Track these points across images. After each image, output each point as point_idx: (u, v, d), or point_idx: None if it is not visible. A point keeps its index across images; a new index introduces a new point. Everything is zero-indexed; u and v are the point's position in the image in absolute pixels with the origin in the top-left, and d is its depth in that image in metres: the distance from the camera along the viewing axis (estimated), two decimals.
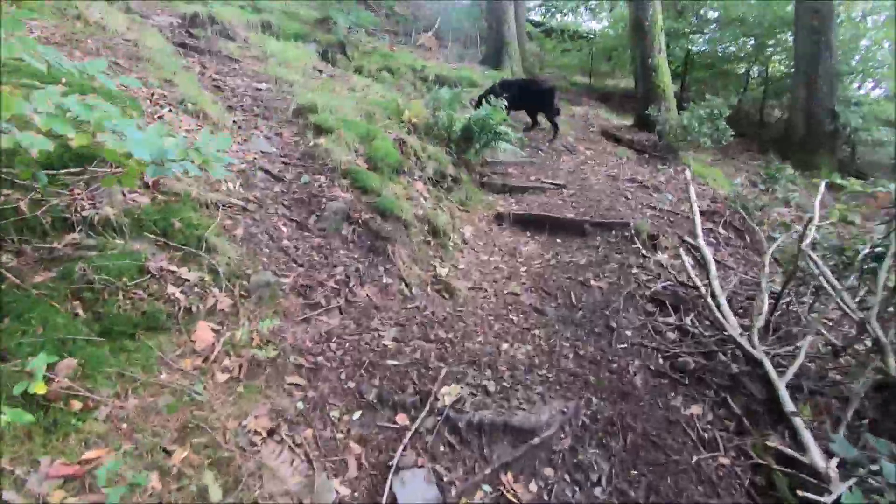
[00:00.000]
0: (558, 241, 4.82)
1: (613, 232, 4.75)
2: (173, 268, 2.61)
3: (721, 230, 5.36)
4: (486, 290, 3.73)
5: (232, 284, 2.71)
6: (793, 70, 10.97)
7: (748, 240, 5.42)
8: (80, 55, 4.52)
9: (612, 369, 2.86)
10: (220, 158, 1.70)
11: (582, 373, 2.81)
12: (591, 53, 14.42)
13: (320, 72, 7.29)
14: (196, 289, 2.56)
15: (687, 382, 2.76)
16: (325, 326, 2.76)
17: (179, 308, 2.38)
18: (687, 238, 4.07)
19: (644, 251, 4.36)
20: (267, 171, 3.97)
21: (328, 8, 10.55)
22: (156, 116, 4.00)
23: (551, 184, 6.13)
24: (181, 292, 2.48)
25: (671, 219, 5.30)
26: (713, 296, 3.08)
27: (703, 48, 13.69)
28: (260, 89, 5.43)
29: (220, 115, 4.39)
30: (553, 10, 18.00)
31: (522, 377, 2.70)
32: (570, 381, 2.73)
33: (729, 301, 3.36)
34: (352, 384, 2.42)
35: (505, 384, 2.61)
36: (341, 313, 2.91)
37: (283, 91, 5.49)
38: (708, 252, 3.38)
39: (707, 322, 3.38)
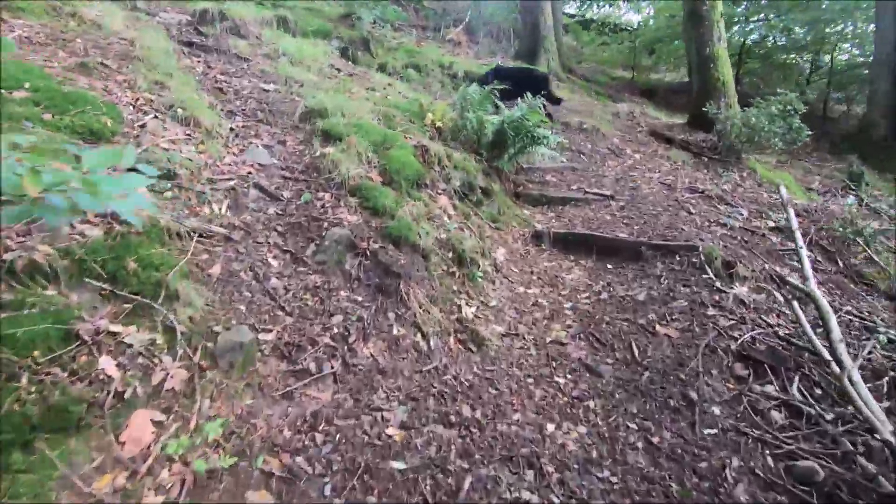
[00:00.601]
0: (609, 266, 4.02)
1: (677, 257, 3.90)
2: (116, 328, 1.99)
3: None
4: (524, 338, 2.99)
5: (192, 348, 2.08)
6: (870, 59, 9.71)
7: (840, 263, 4.49)
8: (64, 55, 4.02)
9: (701, 472, 2.08)
10: (92, 186, 1.02)
11: (659, 476, 2.04)
12: (635, 47, 13.37)
13: (338, 70, 6.67)
14: (140, 359, 1.93)
15: (815, 501, 1.96)
16: (312, 405, 2.09)
17: (109, 392, 1.76)
18: (790, 278, 3.16)
19: (719, 283, 3.52)
20: (262, 189, 3.35)
21: (353, 3, 9.98)
22: (137, 125, 3.44)
23: (596, 194, 5.32)
24: (118, 366, 1.86)
25: (745, 238, 4.40)
26: (842, 367, 2.24)
27: (757, 37, 12.47)
28: (267, 91, 4.84)
29: (216, 120, 3.81)
30: (590, 0, 16.95)
31: (577, 484, 1.96)
32: (644, 492, 1.97)
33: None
34: None
35: (553, 498, 1.88)
36: (336, 383, 2.24)
37: (292, 92, 4.89)
38: (827, 305, 2.52)
39: (819, 391, 2.55)
